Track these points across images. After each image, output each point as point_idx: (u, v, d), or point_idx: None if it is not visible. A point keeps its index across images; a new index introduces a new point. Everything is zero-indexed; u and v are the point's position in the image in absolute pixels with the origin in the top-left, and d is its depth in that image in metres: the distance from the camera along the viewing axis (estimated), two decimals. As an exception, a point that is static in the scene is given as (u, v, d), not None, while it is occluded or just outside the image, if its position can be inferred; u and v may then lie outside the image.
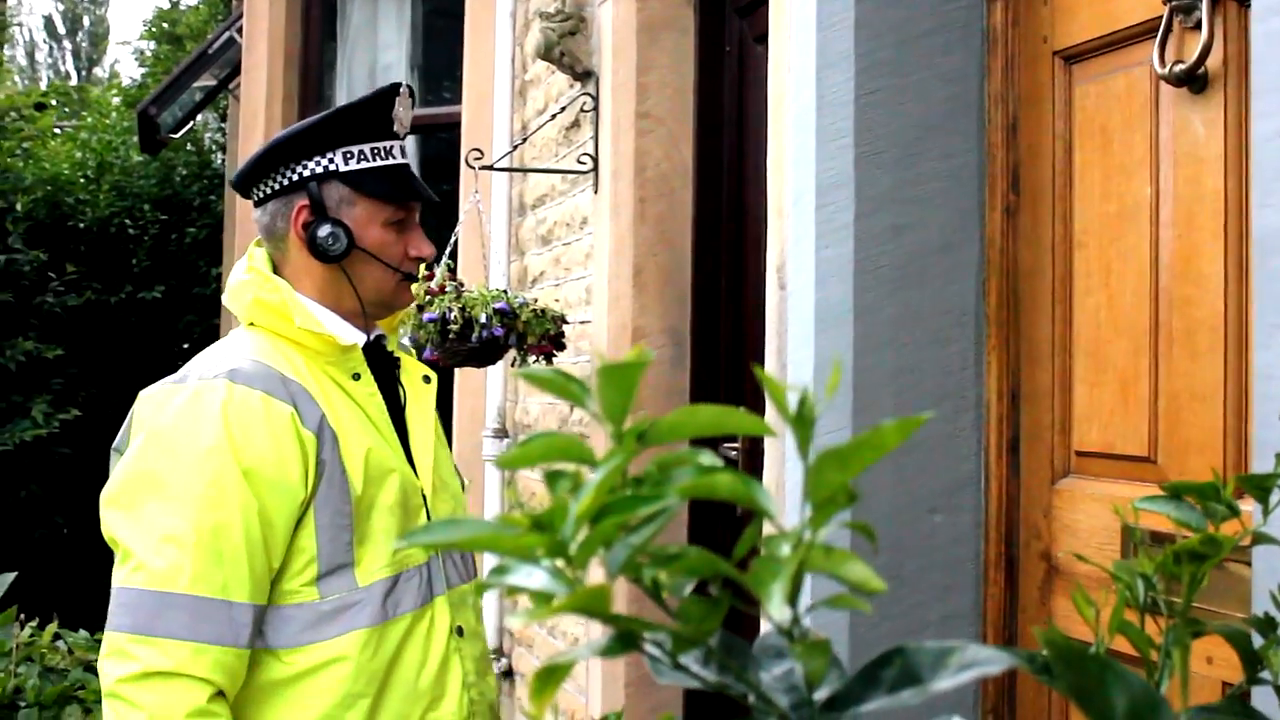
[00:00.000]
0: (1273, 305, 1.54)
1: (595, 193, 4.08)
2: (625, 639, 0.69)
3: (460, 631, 2.14)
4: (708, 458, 0.69)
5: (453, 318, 3.68)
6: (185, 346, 10.06)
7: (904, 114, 2.39)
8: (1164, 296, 2.00)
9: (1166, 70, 1.92)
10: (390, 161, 2.15)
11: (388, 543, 2.04)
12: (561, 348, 3.91)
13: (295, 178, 2.12)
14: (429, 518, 2.13)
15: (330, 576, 2.00)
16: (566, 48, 4.04)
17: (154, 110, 8.03)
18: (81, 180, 10.27)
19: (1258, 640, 0.98)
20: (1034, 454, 2.30)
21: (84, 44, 34.06)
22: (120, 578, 1.92)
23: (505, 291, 3.91)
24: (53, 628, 4.67)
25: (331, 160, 2.11)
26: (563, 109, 4.30)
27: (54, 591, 8.73)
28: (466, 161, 4.25)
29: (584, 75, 4.12)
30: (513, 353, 3.84)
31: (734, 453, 3.50)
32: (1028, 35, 2.34)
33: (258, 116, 6.60)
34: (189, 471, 1.93)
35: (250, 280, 2.13)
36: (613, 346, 3.87)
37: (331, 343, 2.09)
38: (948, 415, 2.37)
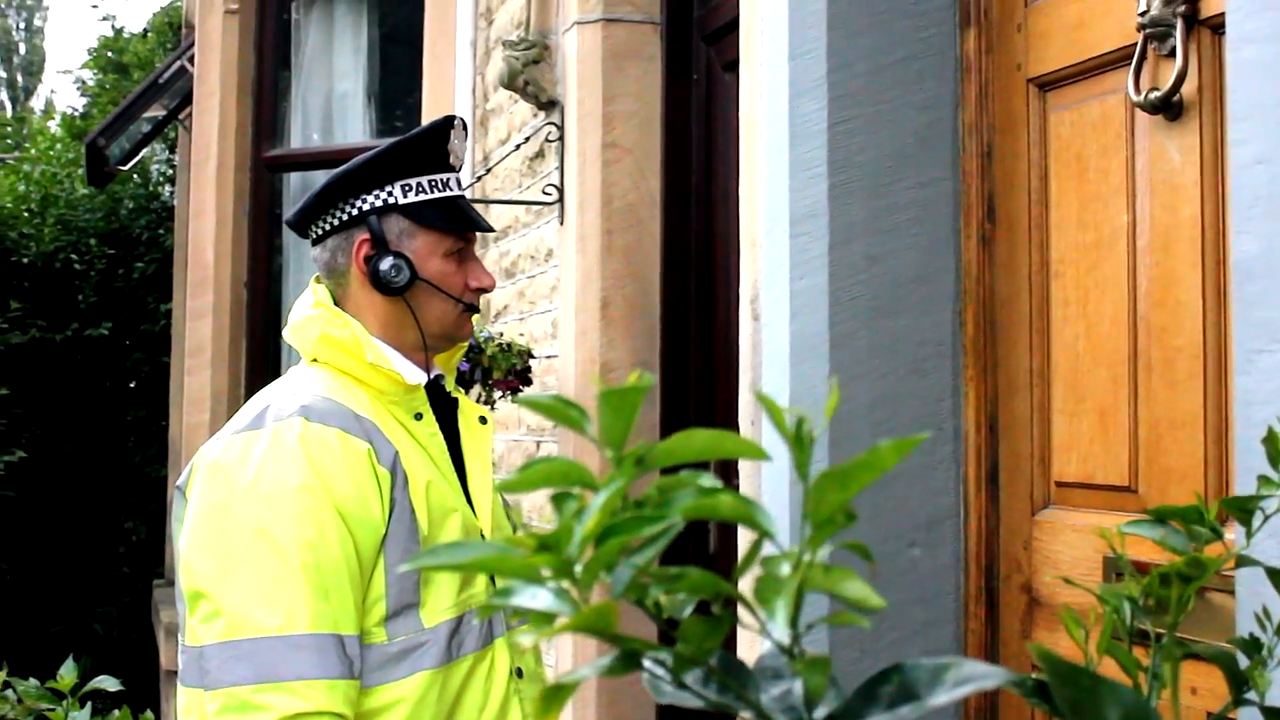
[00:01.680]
0: (1252, 331, 1.54)
1: (561, 224, 4.04)
2: (628, 658, 0.70)
3: (519, 673, 2.14)
4: (708, 479, 0.70)
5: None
6: (133, 385, 9.91)
7: (878, 143, 2.37)
8: (1142, 325, 1.99)
9: (1141, 98, 1.91)
10: (448, 193, 2.16)
11: (451, 584, 2.04)
12: (528, 383, 3.87)
13: (355, 212, 2.12)
14: None
15: (398, 617, 2.00)
16: (530, 76, 4.01)
17: (102, 142, 7.94)
18: (25, 214, 10.13)
19: (1243, 661, 0.99)
20: (1013, 485, 2.28)
21: (19, 73, 33.74)
22: (218, 630, 1.90)
23: (470, 325, 3.86)
24: (1, 676, 4.55)
25: (390, 193, 2.12)
26: (527, 139, 4.27)
27: (-1, 638, 8.58)
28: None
29: (548, 104, 4.09)
30: (478, 389, 3.80)
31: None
32: (1001, 63, 2.33)
33: (210, 147, 6.53)
34: (288, 515, 1.92)
35: (318, 315, 2.12)
36: (580, 381, 3.83)
37: (398, 381, 2.09)
38: (926, 447, 2.35)
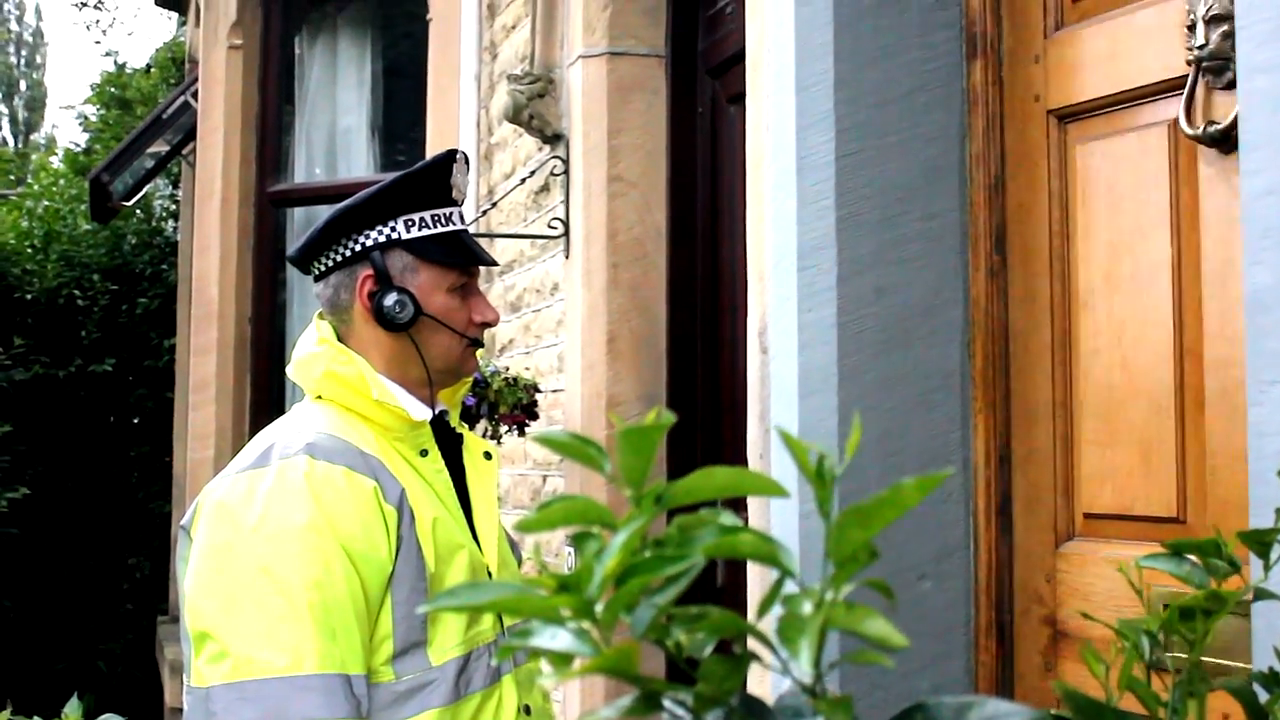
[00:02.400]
0: (1265, 362, 1.54)
1: (567, 258, 4.04)
2: (649, 699, 0.69)
3: (527, 710, 2.13)
4: (729, 518, 0.69)
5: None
6: (136, 421, 9.90)
7: (886, 175, 2.37)
8: (1190, 357, 1.97)
9: (1199, 130, 1.89)
10: (451, 228, 2.15)
11: (459, 622, 2.02)
12: (534, 417, 3.86)
13: (358, 248, 2.11)
14: None
15: (405, 656, 1.98)
16: (535, 110, 4.02)
17: (106, 177, 7.95)
18: (28, 250, 10.13)
19: (1263, 695, 0.99)
20: (1034, 517, 2.27)
21: (21, 109, 33.82)
22: (224, 671, 1.88)
23: (476, 359, 3.86)
24: (5, 715, 4.53)
25: (394, 229, 2.11)
26: (532, 173, 4.27)
27: (1, 676, 8.54)
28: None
29: (553, 138, 4.10)
30: (484, 423, 3.79)
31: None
32: (1015, 94, 2.33)
33: (214, 182, 6.54)
34: (294, 554, 1.91)
35: (322, 353, 2.11)
36: (587, 415, 3.82)
37: (403, 418, 2.08)
38: (935, 480, 2.33)
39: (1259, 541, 1.02)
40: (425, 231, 2.12)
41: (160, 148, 8.20)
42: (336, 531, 1.92)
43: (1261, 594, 1.04)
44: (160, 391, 9.58)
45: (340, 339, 2.14)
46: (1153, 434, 2.04)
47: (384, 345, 2.12)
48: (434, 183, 2.15)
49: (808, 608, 0.68)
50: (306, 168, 6.69)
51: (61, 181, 11.35)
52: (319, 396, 2.12)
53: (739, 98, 3.57)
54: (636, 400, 3.84)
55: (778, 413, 2.47)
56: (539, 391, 3.92)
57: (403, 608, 1.97)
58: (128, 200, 8.62)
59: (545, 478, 4.31)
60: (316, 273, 2.17)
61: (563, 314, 4.13)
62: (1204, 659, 0.98)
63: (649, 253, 3.90)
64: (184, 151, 8.12)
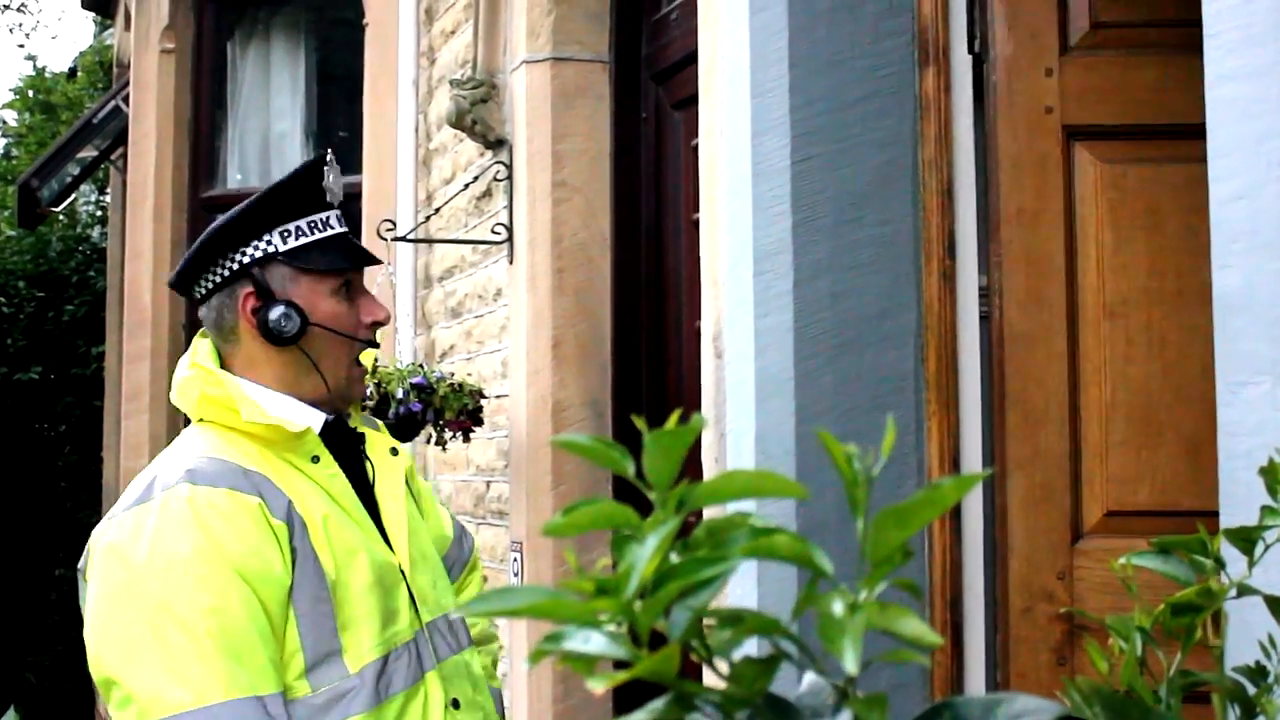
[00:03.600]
0: (1235, 364, 1.58)
1: (510, 263, 4.03)
2: (682, 701, 0.69)
3: (456, 704, 2.10)
4: (760, 520, 0.70)
5: (368, 393, 3.59)
6: (63, 429, 9.75)
7: (840, 180, 2.39)
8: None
9: None
10: (330, 232, 2.12)
11: (372, 625, 2.00)
12: (479, 423, 3.85)
13: (235, 266, 2.07)
14: (410, 593, 2.09)
15: (320, 667, 1.96)
16: (478, 115, 4.00)
17: (36, 183, 7.82)
18: (-49, 257, 9.94)
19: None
20: (1039, 517, 2.30)
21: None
22: (132, 716, 1.85)
23: (422, 366, 3.84)
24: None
25: (269, 242, 2.07)
26: (475, 178, 4.25)
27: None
28: (378, 233, 4.15)
29: (496, 143, 4.08)
30: (430, 429, 3.77)
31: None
32: (1016, 101, 2.35)
33: (147, 187, 6.45)
34: (185, 585, 1.89)
35: (193, 376, 2.07)
36: (532, 421, 3.81)
37: (281, 430, 2.04)
38: (890, 482, 2.36)
39: (1244, 539, 1.04)
40: (303, 240, 2.08)
41: (89, 152, 8.08)
42: (226, 555, 1.90)
43: (1245, 590, 1.06)
44: (88, 400, 9.43)
45: (226, 359, 2.11)
46: (1204, 436, 2.09)
47: (275, 361, 2.09)
48: (305, 190, 2.12)
49: (838, 608, 0.68)
50: (240, 173, 6.62)
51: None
52: (200, 419, 2.09)
53: (683, 103, 3.59)
54: (582, 405, 3.84)
55: (734, 418, 2.48)
56: (484, 397, 3.90)
57: (307, 619, 1.95)
58: (56, 206, 8.48)
59: (489, 484, 4.29)
60: (198, 295, 2.13)
61: (506, 319, 4.12)
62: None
63: (594, 258, 3.90)
64: (113, 156, 8.00)
